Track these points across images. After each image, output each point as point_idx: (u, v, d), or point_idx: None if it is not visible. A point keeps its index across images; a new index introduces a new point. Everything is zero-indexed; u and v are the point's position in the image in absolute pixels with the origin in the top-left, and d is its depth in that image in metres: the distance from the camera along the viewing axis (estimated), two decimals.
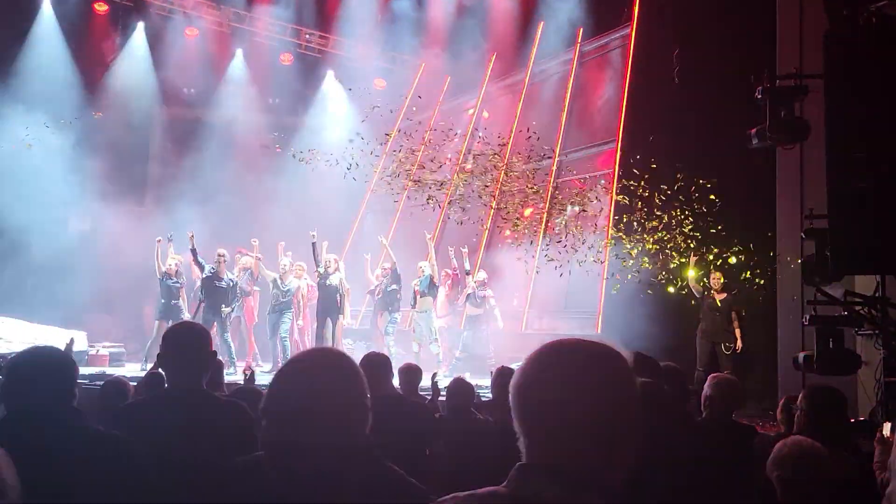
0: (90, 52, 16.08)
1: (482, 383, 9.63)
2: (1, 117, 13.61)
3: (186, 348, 3.14)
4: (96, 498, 2.33)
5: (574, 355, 1.46)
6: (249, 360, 12.20)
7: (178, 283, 11.89)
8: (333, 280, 11.64)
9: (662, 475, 2.79)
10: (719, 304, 10.11)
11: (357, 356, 10.49)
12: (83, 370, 8.43)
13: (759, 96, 7.58)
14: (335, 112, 17.97)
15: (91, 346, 12.29)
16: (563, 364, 1.45)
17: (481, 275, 12.34)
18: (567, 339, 1.50)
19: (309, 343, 12.78)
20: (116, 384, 5.36)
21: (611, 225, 12.26)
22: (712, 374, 4.79)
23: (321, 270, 11.77)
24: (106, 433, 2.56)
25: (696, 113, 11.05)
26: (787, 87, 7.67)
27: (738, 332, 9.93)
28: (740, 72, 9.34)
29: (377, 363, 5.14)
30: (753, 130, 7.81)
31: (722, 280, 10.18)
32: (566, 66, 15.23)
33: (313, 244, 11.85)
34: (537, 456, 1.44)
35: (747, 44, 10.26)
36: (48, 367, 2.58)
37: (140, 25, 16.74)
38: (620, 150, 12.73)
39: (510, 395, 1.49)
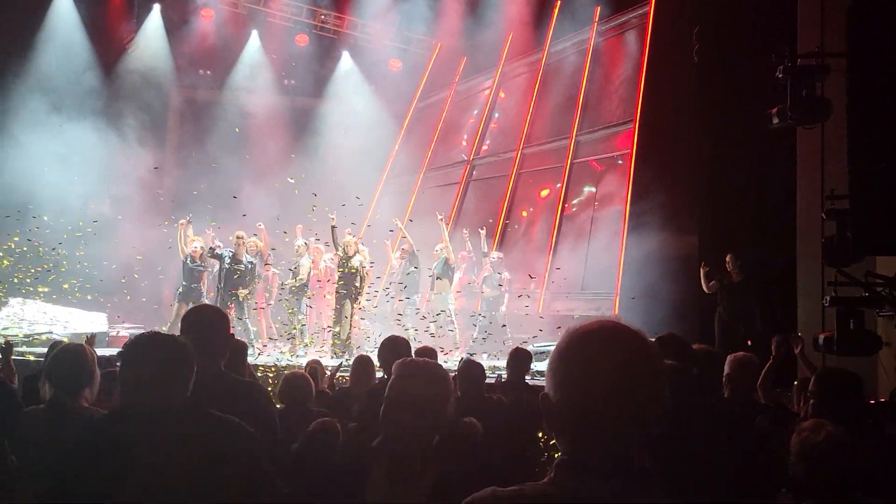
0: (107, 34, 16.10)
1: (499, 365, 9.66)
2: (20, 101, 13.66)
3: (205, 330, 3.16)
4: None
5: (621, 344, 1.41)
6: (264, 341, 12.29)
7: (200, 266, 11.93)
8: (354, 262, 11.67)
9: (687, 458, 2.78)
10: (737, 286, 10.03)
11: (374, 338, 10.61)
12: (102, 351, 8.49)
13: (780, 75, 7.49)
14: (351, 93, 17.93)
15: (111, 328, 12.40)
16: (616, 356, 1.39)
17: (494, 255, 12.31)
18: (606, 325, 1.44)
19: (325, 324, 12.86)
20: None
21: (629, 205, 12.18)
22: (731, 354, 4.77)
23: (340, 253, 11.79)
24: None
25: (715, 93, 10.93)
26: (808, 66, 7.57)
27: (757, 312, 9.85)
28: (761, 50, 9.25)
29: (396, 347, 5.18)
30: (774, 110, 7.73)
31: (736, 261, 10.07)
32: (583, 45, 15.10)
33: (333, 228, 11.86)
34: (584, 451, 1.40)
35: (768, 22, 10.10)
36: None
37: (156, 7, 16.75)
38: (638, 131, 12.62)
39: (550, 388, 1.44)
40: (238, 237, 11.83)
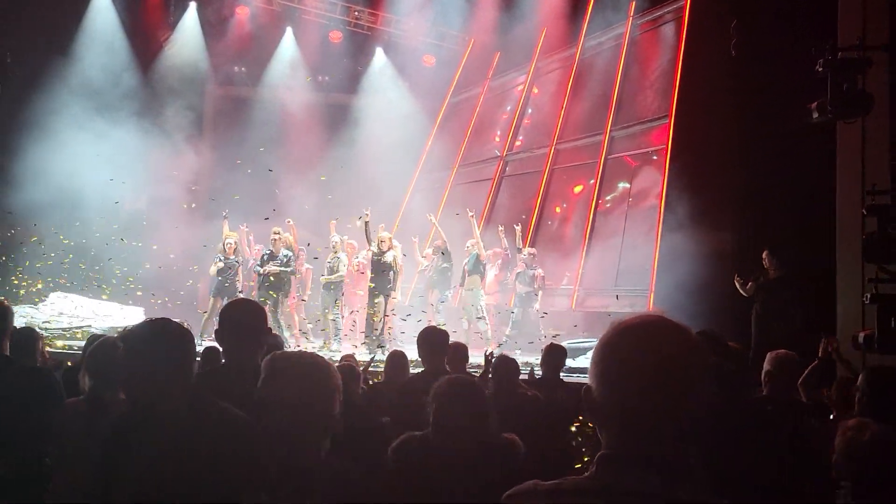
0: (144, 33, 16.30)
1: (532, 361, 9.63)
2: (61, 100, 13.88)
3: (242, 325, 3.18)
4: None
5: (668, 338, 1.40)
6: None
7: (235, 260, 12.04)
8: (388, 258, 11.70)
9: (726, 454, 2.75)
10: (774, 283, 9.88)
11: (406, 334, 10.64)
12: None
13: (820, 69, 7.35)
14: (384, 89, 17.97)
15: None
16: (661, 350, 1.38)
17: (526, 251, 12.24)
18: (652, 319, 1.43)
19: (357, 319, 12.94)
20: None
21: (663, 201, 12.06)
22: (771, 351, 4.70)
23: (374, 249, 11.83)
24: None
25: (753, 87, 10.77)
26: (849, 59, 7.42)
27: (794, 310, 9.70)
28: (800, 43, 9.09)
29: (434, 339, 5.20)
30: (814, 104, 7.59)
31: (773, 258, 9.92)
32: (618, 40, 14.97)
33: (366, 223, 11.91)
34: (626, 446, 1.38)
35: (808, 14, 9.93)
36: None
37: (192, 5, 16.93)
38: (674, 126, 12.49)
39: (594, 382, 1.43)
40: (275, 233, 11.91)
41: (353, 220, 13.13)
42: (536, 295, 11.84)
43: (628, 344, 1.40)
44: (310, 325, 13.08)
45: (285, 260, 11.88)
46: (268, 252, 11.85)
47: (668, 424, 1.36)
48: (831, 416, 4.45)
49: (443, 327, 11.62)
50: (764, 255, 9.96)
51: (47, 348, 8.64)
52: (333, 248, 12.27)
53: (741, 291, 9.93)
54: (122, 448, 2.36)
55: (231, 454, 2.31)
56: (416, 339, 5.29)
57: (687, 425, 1.37)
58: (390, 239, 11.92)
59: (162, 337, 2.49)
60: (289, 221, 12.43)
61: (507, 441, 3.20)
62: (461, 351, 6.15)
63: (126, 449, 2.35)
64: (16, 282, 12.94)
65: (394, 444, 3.08)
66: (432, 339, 5.30)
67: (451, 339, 7.84)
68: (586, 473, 1.41)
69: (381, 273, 11.71)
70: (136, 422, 2.39)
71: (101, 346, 3.53)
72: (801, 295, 9.74)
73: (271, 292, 11.65)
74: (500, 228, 12.75)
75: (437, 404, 3.04)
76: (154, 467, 2.25)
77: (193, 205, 14.85)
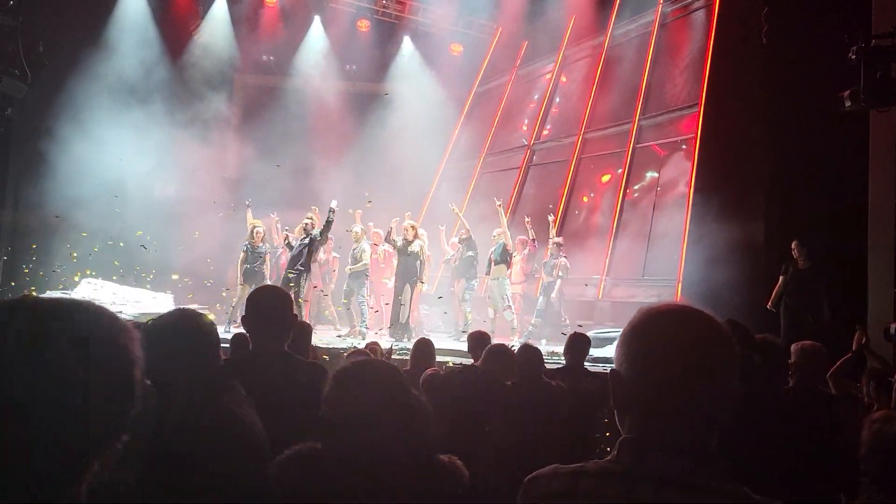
0: (174, 21, 16.42)
1: (558, 350, 9.62)
2: (94, 88, 14.04)
3: (269, 311, 3.21)
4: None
5: (697, 324, 1.40)
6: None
7: (263, 248, 12.12)
8: (414, 247, 11.73)
9: (747, 444, 2.73)
10: (805, 273, 9.77)
11: (433, 322, 10.73)
12: None
13: (853, 56, 7.25)
14: (412, 77, 17.98)
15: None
16: (689, 336, 1.39)
17: (551, 242, 12.17)
18: (681, 305, 1.45)
19: (383, 308, 13.00)
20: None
21: (692, 191, 11.95)
22: (797, 342, 4.65)
23: (399, 239, 11.86)
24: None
25: (785, 75, 10.62)
26: (883, 47, 7.32)
27: (824, 301, 9.58)
28: (833, 31, 8.95)
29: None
30: (846, 93, 7.49)
31: (802, 248, 9.80)
32: (647, 27, 14.84)
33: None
34: (649, 430, 1.39)
35: (840, 1, 9.77)
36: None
37: None
38: (703, 115, 12.36)
39: (621, 364, 1.43)
40: (309, 218, 11.91)
41: (366, 209, 13.13)
42: (556, 283, 11.80)
43: (657, 329, 1.41)
44: (338, 308, 13.13)
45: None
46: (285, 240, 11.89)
47: (692, 411, 1.36)
48: (861, 408, 4.39)
49: (468, 315, 11.74)
50: (793, 246, 9.84)
51: None
52: (356, 237, 12.28)
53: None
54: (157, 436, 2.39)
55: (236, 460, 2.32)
56: (443, 327, 5.32)
57: (711, 413, 1.37)
58: (414, 227, 11.92)
59: (181, 327, 2.54)
60: (314, 208, 12.45)
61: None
62: (485, 340, 6.15)
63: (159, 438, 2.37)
64: (56, 270, 13.18)
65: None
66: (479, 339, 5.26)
67: (477, 327, 7.86)
68: (607, 457, 1.41)
69: (408, 262, 11.74)
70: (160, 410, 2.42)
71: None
72: (831, 285, 9.62)
73: (290, 274, 11.71)
74: (527, 219, 12.66)
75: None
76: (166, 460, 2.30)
77: (221, 194, 14.97)
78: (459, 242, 12.46)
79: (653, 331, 1.41)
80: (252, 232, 12.04)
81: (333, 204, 11.43)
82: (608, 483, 1.37)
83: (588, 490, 1.38)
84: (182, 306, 6.14)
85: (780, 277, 9.94)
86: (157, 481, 2.30)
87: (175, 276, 13.63)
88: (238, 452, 2.32)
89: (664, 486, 1.32)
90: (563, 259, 11.95)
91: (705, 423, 1.37)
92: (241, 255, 12.01)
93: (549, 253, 12.03)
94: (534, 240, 12.40)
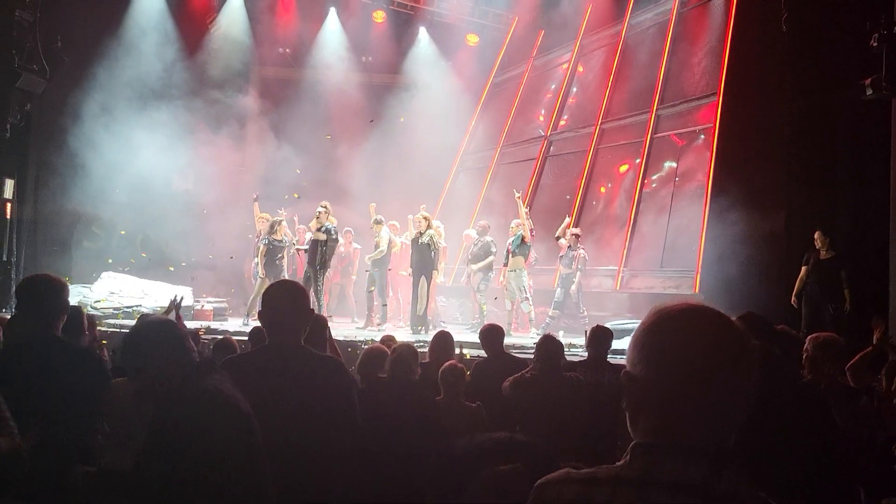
0: (190, 14, 16.46)
1: (576, 342, 9.60)
2: (105, 82, 14.11)
3: (285, 305, 3.21)
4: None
5: (712, 323, 1.38)
6: None
7: (283, 241, 12.14)
8: (426, 238, 11.73)
9: (767, 440, 2.70)
10: (826, 264, 9.68)
11: (450, 313, 10.72)
12: (189, 324, 8.81)
13: (875, 44, 7.15)
14: (428, 68, 17.94)
15: (196, 301, 12.81)
16: (704, 335, 1.37)
17: (568, 233, 12.04)
18: (694, 305, 1.41)
19: (402, 300, 13.04)
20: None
21: (711, 181, 11.85)
22: (812, 335, 4.61)
23: (413, 230, 11.91)
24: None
25: (805, 63, 10.49)
26: None
27: (846, 292, 9.50)
28: (854, 18, 8.83)
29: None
30: (868, 81, 7.40)
31: (825, 238, 9.72)
32: (665, 16, 14.71)
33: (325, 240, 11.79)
34: (665, 434, 1.36)
35: None
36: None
37: None
38: (722, 104, 12.24)
39: (635, 366, 1.41)
40: (323, 206, 11.92)
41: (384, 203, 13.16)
42: (575, 275, 11.72)
43: (671, 329, 1.39)
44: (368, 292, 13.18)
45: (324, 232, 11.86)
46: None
47: (708, 411, 1.34)
48: (880, 402, 4.34)
49: (484, 307, 11.74)
50: (816, 236, 9.76)
51: (100, 327, 8.87)
52: (373, 229, 12.35)
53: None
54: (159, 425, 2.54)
55: (225, 432, 2.47)
56: (460, 319, 5.33)
57: (727, 413, 1.35)
58: (427, 218, 11.91)
59: (153, 330, 2.73)
60: (324, 203, 12.33)
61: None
62: (496, 332, 6.15)
63: (161, 425, 2.52)
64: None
65: None
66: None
67: (494, 318, 7.86)
68: (620, 462, 1.39)
69: (422, 253, 11.75)
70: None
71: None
72: (853, 276, 9.53)
73: (307, 273, 11.77)
74: (526, 210, 12.37)
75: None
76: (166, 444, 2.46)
77: (239, 184, 15.04)
78: (478, 234, 12.40)
79: (667, 331, 1.39)
80: (272, 226, 12.08)
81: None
82: (621, 491, 1.34)
83: (601, 500, 1.35)
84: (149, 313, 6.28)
85: (803, 268, 9.86)
86: (152, 461, 2.44)
87: (171, 268, 13.72)
88: (223, 423, 2.47)
89: (679, 493, 1.30)
90: (582, 250, 11.86)
91: (721, 423, 1.35)
92: (262, 247, 12.05)
93: (567, 245, 11.91)
94: (532, 230, 12.22)
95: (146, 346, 2.66)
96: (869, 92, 7.45)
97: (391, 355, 4.71)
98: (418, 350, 4.81)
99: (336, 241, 11.96)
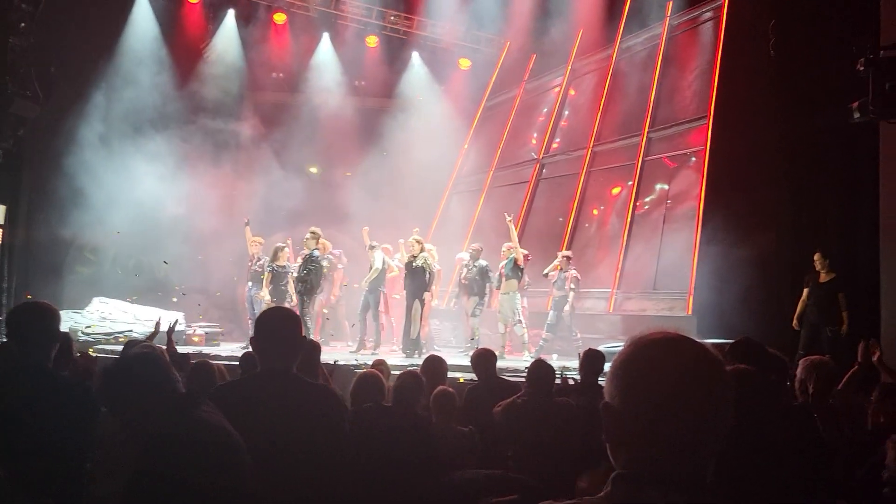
0: (184, 39, 16.55)
1: (570, 365, 9.58)
2: (99, 107, 14.16)
3: (276, 332, 3.20)
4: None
5: (689, 353, 1.39)
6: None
7: (286, 267, 12.13)
8: (419, 262, 11.75)
9: (751, 466, 2.70)
10: (825, 286, 9.71)
11: (444, 337, 10.69)
12: (182, 349, 8.77)
13: (862, 68, 7.22)
14: (421, 92, 18.04)
15: (188, 327, 12.78)
16: (681, 365, 1.37)
17: (560, 256, 12.08)
18: (671, 334, 1.42)
19: (395, 323, 13.02)
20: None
21: (703, 203, 11.91)
22: (804, 357, 4.62)
23: (405, 254, 11.93)
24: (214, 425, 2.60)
25: (793, 86, 10.60)
26: (891, 58, 7.28)
27: (844, 315, 9.52)
28: (841, 42, 8.92)
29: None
30: (855, 104, 7.46)
31: (825, 260, 9.75)
32: (655, 40, 14.84)
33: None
34: (644, 464, 1.37)
35: (848, 12, 9.74)
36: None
37: (230, 12, 17.16)
38: (713, 127, 12.33)
39: (613, 397, 1.42)
40: (312, 233, 11.93)
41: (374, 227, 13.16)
42: (569, 296, 11.73)
43: (648, 359, 1.39)
44: (351, 325, 13.15)
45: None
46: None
47: (687, 442, 1.35)
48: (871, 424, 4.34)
49: (478, 331, 11.72)
50: (816, 258, 9.78)
51: (90, 352, 8.83)
52: (370, 252, 12.37)
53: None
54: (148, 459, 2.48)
55: (214, 465, 2.44)
56: (454, 342, 5.33)
57: (705, 443, 1.36)
58: (419, 242, 11.93)
59: (140, 364, 2.68)
60: (312, 230, 12.23)
61: None
62: (487, 357, 6.15)
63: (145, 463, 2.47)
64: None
65: None
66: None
67: (488, 342, 7.84)
68: (601, 493, 1.39)
69: (415, 276, 11.75)
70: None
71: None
72: (849, 298, 9.56)
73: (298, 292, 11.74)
74: (509, 217, 12.42)
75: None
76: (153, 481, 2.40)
77: (232, 208, 15.04)
78: (471, 258, 12.37)
79: (641, 361, 1.40)
80: (275, 252, 12.06)
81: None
82: None
83: None
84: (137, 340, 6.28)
85: (804, 290, 9.89)
86: (142, 495, 2.40)
87: (175, 299, 13.67)
88: (214, 456, 2.44)
89: None
90: (573, 271, 11.88)
91: (698, 451, 1.36)
92: (267, 275, 12.04)
93: (559, 267, 11.93)
94: (526, 255, 12.25)
95: (125, 382, 2.63)
96: (856, 115, 7.50)
97: (355, 382, 4.73)
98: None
99: (320, 266, 11.87)
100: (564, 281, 11.77)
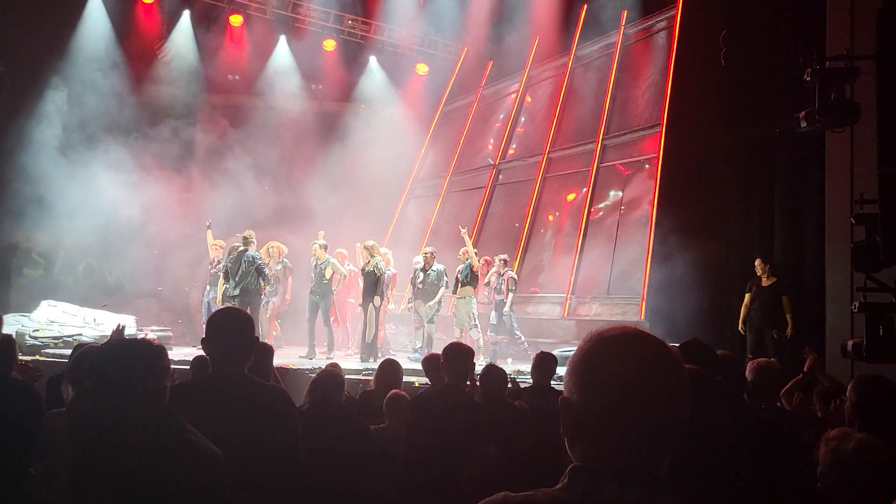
0: (137, 40, 16.30)
1: (524, 369, 9.64)
2: (50, 107, 13.88)
3: (228, 333, 3.16)
4: None
5: (647, 348, 1.39)
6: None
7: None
8: (371, 266, 11.72)
9: (703, 465, 2.75)
10: (767, 291, 9.94)
11: (399, 341, 10.64)
12: None
13: (808, 78, 7.38)
14: (378, 97, 18.02)
15: (140, 330, 12.54)
16: (638, 360, 1.37)
17: (496, 259, 12.15)
18: (629, 330, 1.42)
19: (350, 327, 12.96)
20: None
21: (655, 209, 12.09)
22: (752, 360, 4.71)
23: (360, 259, 11.90)
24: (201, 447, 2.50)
25: (743, 96, 10.83)
26: (837, 69, 7.44)
27: (788, 317, 9.76)
28: (789, 53, 9.15)
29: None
30: (802, 113, 7.61)
31: (765, 266, 9.99)
32: (610, 48, 15.04)
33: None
34: (601, 457, 1.37)
35: (796, 24, 9.99)
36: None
37: (186, 13, 16.95)
38: (665, 135, 12.54)
39: (571, 392, 1.41)
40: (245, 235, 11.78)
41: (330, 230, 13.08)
42: (506, 299, 11.81)
43: (605, 354, 1.40)
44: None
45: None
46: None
47: (643, 437, 1.35)
48: (815, 425, 4.45)
49: (433, 335, 11.72)
50: (756, 263, 10.02)
51: (38, 357, 8.64)
52: (315, 253, 12.18)
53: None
54: (92, 464, 2.38)
55: (192, 487, 2.33)
56: (410, 347, 5.31)
57: (662, 438, 1.36)
58: (374, 247, 11.90)
59: (127, 359, 2.52)
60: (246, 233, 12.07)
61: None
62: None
63: (96, 465, 2.36)
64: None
65: None
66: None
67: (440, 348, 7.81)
68: (558, 485, 1.39)
69: (368, 281, 11.73)
70: (106, 438, 2.41)
71: (83, 356, 3.52)
72: (793, 301, 9.80)
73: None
74: (463, 229, 12.49)
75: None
76: (119, 487, 2.28)
77: (185, 211, 14.83)
78: (426, 262, 12.34)
79: (601, 356, 1.40)
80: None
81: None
82: None
83: None
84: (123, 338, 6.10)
85: (747, 295, 10.09)
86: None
87: (105, 304, 13.28)
88: (199, 476, 2.34)
89: None
90: (511, 272, 12.01)
91: (655, 447, 1.36)
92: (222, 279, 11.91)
93: (496, 270, 12.03)
94: (488, 260, 12.35)
95: (123, 365, 2.48)
96: (803, 124, 7.64)
97: (311, 382, 4.73)
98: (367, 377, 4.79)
99: (259, 267, 11.65)
100: (503, 282, 11.87)
